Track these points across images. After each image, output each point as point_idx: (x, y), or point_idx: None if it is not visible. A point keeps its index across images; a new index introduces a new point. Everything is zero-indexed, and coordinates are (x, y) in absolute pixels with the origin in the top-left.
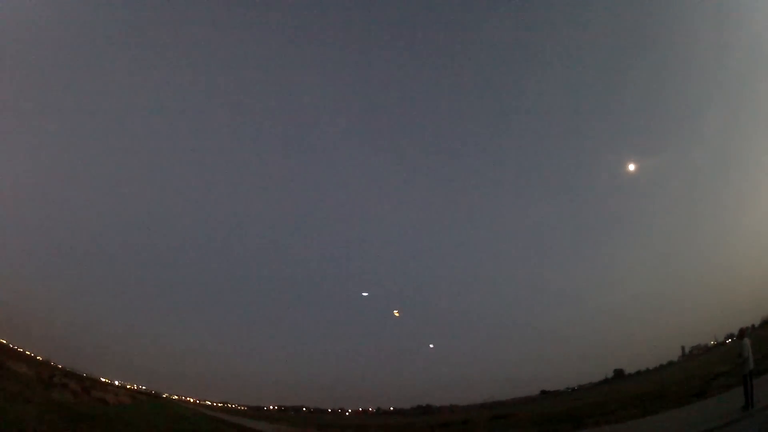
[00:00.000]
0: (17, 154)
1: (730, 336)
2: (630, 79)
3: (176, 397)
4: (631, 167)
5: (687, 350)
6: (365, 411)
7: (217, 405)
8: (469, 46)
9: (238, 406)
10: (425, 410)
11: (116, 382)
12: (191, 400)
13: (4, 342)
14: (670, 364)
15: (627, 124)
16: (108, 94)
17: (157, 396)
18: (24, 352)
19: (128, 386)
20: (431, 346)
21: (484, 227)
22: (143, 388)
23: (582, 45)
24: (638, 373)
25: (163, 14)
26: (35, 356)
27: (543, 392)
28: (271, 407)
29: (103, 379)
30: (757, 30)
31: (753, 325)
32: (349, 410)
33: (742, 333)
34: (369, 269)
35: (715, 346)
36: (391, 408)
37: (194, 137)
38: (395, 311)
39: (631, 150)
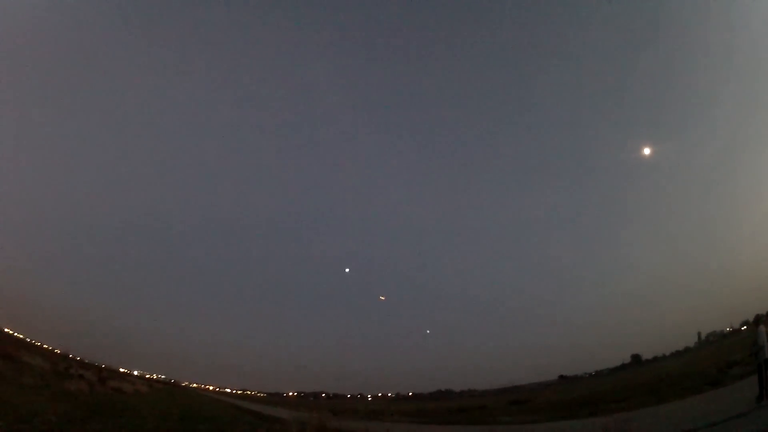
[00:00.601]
0: (25, 152)
1: (746, 323)
2: (644, 67)
3: (195, 385)
4: (647, 153)
5: (703, 336)
6: (384, 396)
7: (236, 392)
8: (484, 37)
9: (258, 393)
10: (443, 395)
11: (135, 372)
12: (210, 388)
13: (21, 336)
14: (687, 350)
15: (642, 111)
16: (119, 93)
17: (176, 385)
18: (40, 345)
19: (147, 376)
20: (428, 331)
21: (502, 215)
22: (162, 377)
23: (597, 35)
24: (655, 358)
25: (166, 12)
26: (52, 349)
27: (561, 377)
28: (291, 394)
29: (121, 370)
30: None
31: None
32: (368, 395)
33: (758, 320)
34: (389, 257)
35: (730, 332)
36: (410, 393)
37: (205, 133)
38: (381, 297)
39: (647, 137)
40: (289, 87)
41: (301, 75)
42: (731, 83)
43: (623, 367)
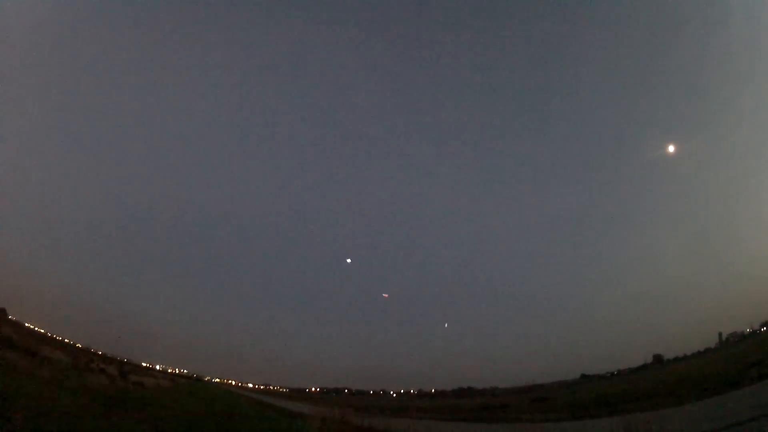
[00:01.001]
0: (49, 152)
1: (765, 324)
2: (665, 66)
3: (218, 380)
4: (670, 152)
5: (724, 337)
6: (407, 393)
7: (258, 387)
8: (504, 35)
9: (280, 388)
10: (466, 392)
11: (158, 367)
12: (233, 383)
13: (42, 331)
14: (708, 350)
15: (665, 110)
16: (121, 93)
17: (199, 379)
18: (62, 339)
19: (170, 370)
20: (446, 325)
21: (527, 213)
22: (185, 372)
23: (618, 34)
24: (676, 359)
25: (168, 10)
26: (74, 343)
27: (583, 376)
28: (313, 389)
29: (144, 364)
30: None
31: None
32: (392, 392)
33: None
34: (411, 256)
35: (750, 333)
36: (432, 390)
37: (219, 129)
38: (384, 294)
39: (669, 136)
40: (301, 84)
41: (308, 72)
42: (753, 82)
43: (645, 367)
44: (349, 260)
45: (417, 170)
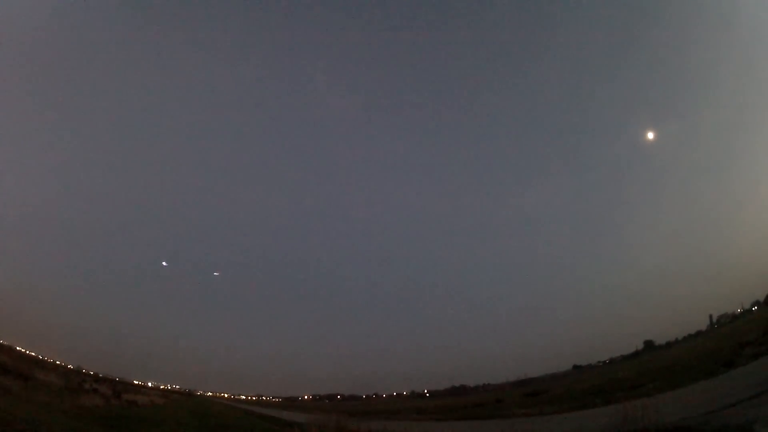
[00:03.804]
0: (32, 161)
1: (756, 303)
2: (640, 55)
3: (210, 394)
4: (650, 139)
5: (715, 319)
6: (399, 395)
7: (251, 398)
8: (476, 31)
9: (273, 398)
10: (459, 391)
11: (149, 384)
12: (225, 396)
13: (33, 354)
14: (699, 333)
15: (646, 100)
16: (119, 94)
17: (191, 394)
18: (53, 362)
19: (162, 387)
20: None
21: (508, 208)
22: (177, 387)
23: (591, 25)
24: (668, 344)
25: (167, 10)
26: (65, 365)
27: (575, 367)
28: (306, 397)
29: (135, 382)
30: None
31: None
32: (384, 395)
33: None
34: (397, 258)
35: (741, 313)
36: (425, 391)
37: (202, 135)
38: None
39: (651, 124)
40: (286, 87)
41: (298, 76)
42: (732, 69)
43: (636, 353)
44: (216, 273)
45: (394, 171)
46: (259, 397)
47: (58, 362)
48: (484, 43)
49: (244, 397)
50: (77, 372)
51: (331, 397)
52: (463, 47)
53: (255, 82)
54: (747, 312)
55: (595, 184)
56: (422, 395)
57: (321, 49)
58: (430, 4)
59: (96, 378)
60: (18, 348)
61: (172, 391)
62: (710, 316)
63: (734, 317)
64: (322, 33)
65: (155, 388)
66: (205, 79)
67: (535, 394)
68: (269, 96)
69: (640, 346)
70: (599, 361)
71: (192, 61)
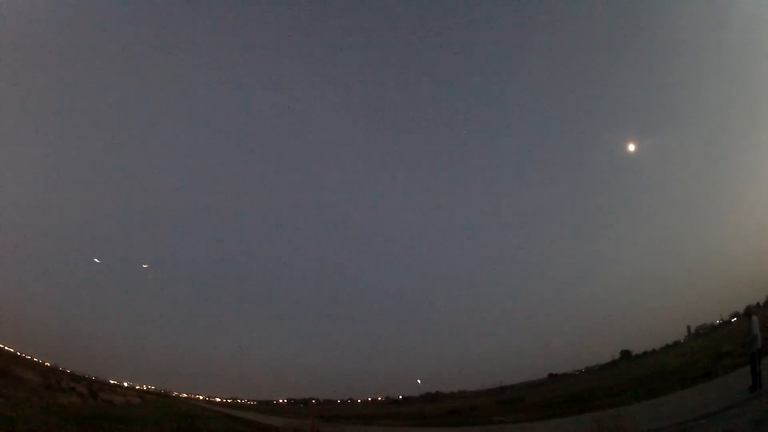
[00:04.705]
0: (23, 160)
1: (736, 315)
2: (625, 62)
3: (185, 395)
4: (631, 150)
5: (693, 330)
6: (374, 400)
7: (226, 401)
8: (462, 33)
9: (248, 401)
10: (434, 397)
11: (125, 384)
12: (200, 398)
13: (12, 351)
14: (677, 344)
15: (627, 108)
16: (113, 95)
17: (167, 395)
18: (31, 359)
19: (137, 387)
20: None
21: (485, 214)
22: (152, 388)
23: (577, 31)
24: (645, 353)
25: (164, 14)
26: (43, 362)
27: (551, 375)
28: (281, 401)
29: (111, 381)
30: (750, 14)
31: (758, 304)
32: (359, 400)
33: (749, 311)
34: (372, 261)
35: (720, 324)
36: (400, 396)
37: (195, 137)
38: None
39: (630, 133)
40: (285, 87)
41: (297, 74)
42: (714, 77)
43: (613, 363)
44: (145, 265)
45: (369, 170)
46: (234, 400)
47: (36, 359)
48: (468, 47)
49: (219, 399)
50: (54, 370)
51: (306, 402)
52: (442, 48)
53: (251, 80)
54: (725, 324)
55: (574, 194)
56: (397, 401)
57: (317, 48)
58: (425, 7)
59: (73, 376)
60: None
61: (148, 392)
62: (688, 327)
63: (713, 328)
64: (322, 33)
65: (131, 388)
66: (199, 79)
67: (510, 401)
68: (269, 95)
69: (617, 355)
70: (575, 370)
71: (179, 59)
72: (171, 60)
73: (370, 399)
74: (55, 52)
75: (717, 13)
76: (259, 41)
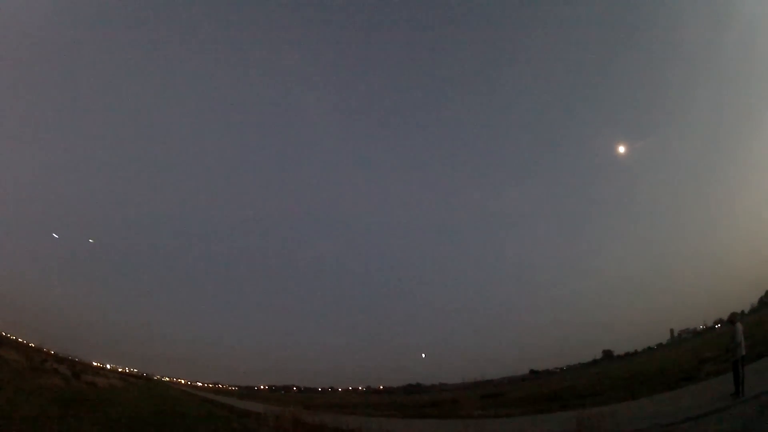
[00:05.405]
0: (19, 151)
1: (719, 321)
2: (618, 65)
3: (167, 379)
4: (620, 151)
5: (676, 333)
6: (355, 389)
7: (207, 386)
8: (454, 35)
9: (229, 386)
10: (414, 389)
11: (108, 366)
12: (182, 382)
13: None
14: (659, 346)
15: (616, 110)
16: (113, 94)
17: (149, 378)
18: (15, 339)
19: (120, 369)
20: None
21: (469, 212)
22: (135, 371)
23: (572, 34)
24: (627, 354)
25: (163, 14)
26: (27, 343)
27: (532, 372)
28: (262, 387)
29: (95, 364)
30: (746, 17)
31: (742, 311)
32: (339, 389)
33: (733, 318)
34: (356, 253)
35: (704, 330)
36: (381, 386)
37: (195, 136)
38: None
39: (620, 135)
40: (283, 86)
41: (295, 73)
42: (710, 79)
43: (595, 362)
44: (91, 240)
45: (355, 167)
46: (215, 385)
47: (20, 339)
48: (457, 47)
49: (200, 384)
50: (38, 350)
51: (287, 389)
52: (431, 46)
53: (251, 80)
54: (709, 329)
55: (562, 192)
56: (378, 391)
57: (317, 48)
58: (425, 6)
59: (56, 357)
60: None
61: (130, 374)
62: (671, 331)
63: (696, 333)
64: (322, 33)
65: (113, 371)
66: (198, 78)
67: (492, 396)
68: (269, 94)
69: (599, 355)
70: (557, 368)
71: (179, 59)
72: (171, 59)
73: (350, 388)
74: (54, 51)
75: (714, 14)
76: (259, 41)
